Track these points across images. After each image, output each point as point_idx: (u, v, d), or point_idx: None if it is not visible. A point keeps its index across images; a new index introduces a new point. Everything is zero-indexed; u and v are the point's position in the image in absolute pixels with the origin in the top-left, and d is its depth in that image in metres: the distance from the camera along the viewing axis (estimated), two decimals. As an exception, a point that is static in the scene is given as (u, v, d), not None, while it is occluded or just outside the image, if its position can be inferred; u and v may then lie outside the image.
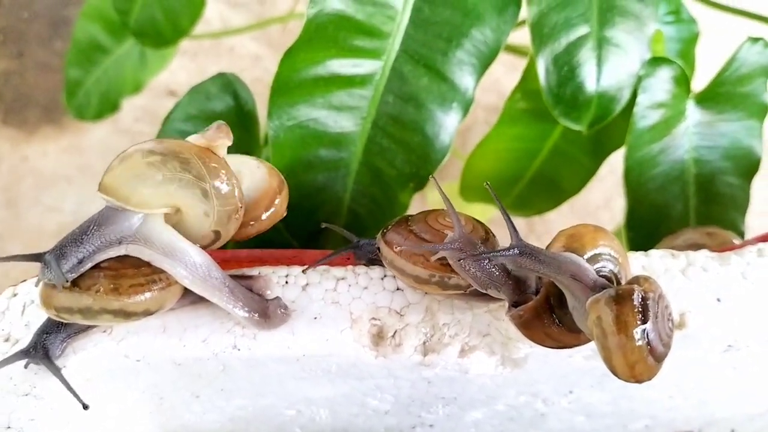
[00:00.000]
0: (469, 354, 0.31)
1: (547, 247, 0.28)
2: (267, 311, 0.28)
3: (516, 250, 0.26)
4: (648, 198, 0.45)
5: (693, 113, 0.44)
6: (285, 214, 0.32)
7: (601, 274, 0.27)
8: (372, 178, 0.42)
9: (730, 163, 0.46)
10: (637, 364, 0.25)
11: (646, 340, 0.25)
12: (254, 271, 0.31)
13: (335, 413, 0.36)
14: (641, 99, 0.42)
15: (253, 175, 0.30)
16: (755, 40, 0.43)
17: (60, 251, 0.26)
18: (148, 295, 0.26)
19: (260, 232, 0.30)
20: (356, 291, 0.31)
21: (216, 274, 0.27)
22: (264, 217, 0.30)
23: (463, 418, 0.38)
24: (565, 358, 0.33)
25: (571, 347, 0.28)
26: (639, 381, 0.25)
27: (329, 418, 0.36)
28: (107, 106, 0.64)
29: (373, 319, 0.31)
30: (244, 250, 0.32)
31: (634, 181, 0.44)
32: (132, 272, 0.26)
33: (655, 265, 0.32)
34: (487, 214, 0.57)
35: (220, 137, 0.29)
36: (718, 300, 0.32)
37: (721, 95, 0.44)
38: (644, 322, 0.25)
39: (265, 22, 0.78)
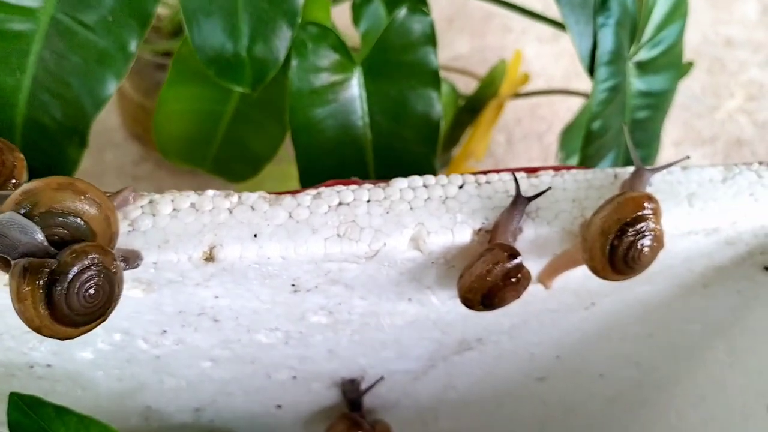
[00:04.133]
0: None
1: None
2: None
3: None
4: (320, 162, 0.46)
5: (362, 80, 0.46)
6: None
7: (54, 234, 0.28)
8: (39, 133, 0.43)
9: (411, 131, 0.47)
10: (43, 329, 0.27)
11: (47, 311, 0.27)
12: None
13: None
14: (295, 63, 0.44)
15: None
16: (413, 9, 0.45)
17: None
18: None
19: None
20: None
21: None
22: None
23: (74, 358, 0.39)
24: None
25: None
26: (58, 338, 0.28)
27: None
28: None
29: None
30: None
31: (302, 144, 0.45)
32: None
33: (204, 203, 0.34)
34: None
35: None
36: (255, 236, 0.33)
37: (387, 63, 0.46)
38: (46, 296, 0.26)
39: None
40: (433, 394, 0.49)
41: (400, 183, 0.36)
